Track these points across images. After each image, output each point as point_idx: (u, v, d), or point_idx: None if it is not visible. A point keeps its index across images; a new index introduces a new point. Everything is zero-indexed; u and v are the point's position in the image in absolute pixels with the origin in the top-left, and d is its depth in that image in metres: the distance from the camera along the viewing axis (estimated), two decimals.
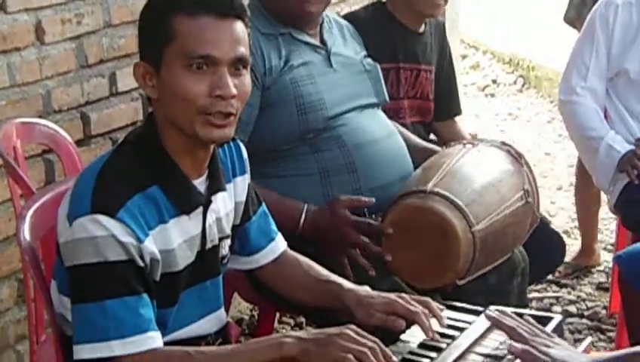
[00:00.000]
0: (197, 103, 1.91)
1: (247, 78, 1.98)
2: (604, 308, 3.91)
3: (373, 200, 2.65)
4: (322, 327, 1.93)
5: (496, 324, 1.89)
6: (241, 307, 3.86)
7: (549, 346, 1.79)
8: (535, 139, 6.22)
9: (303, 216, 2.65)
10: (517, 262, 2.89)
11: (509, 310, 2.03)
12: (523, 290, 2.99)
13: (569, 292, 4.08)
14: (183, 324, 2.05)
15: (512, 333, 1.84)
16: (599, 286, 4.12)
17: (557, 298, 4.03)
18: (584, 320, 3.86)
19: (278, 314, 3.63)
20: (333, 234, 2.62)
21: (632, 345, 2.89)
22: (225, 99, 1.92)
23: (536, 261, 3.01)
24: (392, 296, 2.12)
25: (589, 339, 2.01)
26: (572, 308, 3.95)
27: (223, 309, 2.15)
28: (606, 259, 4.34)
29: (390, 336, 2.07)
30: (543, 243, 3.07)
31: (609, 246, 4.47)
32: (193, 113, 1.92)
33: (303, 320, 3.78)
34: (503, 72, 7.95)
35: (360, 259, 2.61)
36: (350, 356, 1.83)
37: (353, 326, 1.91)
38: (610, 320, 3.79)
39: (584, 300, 4.02)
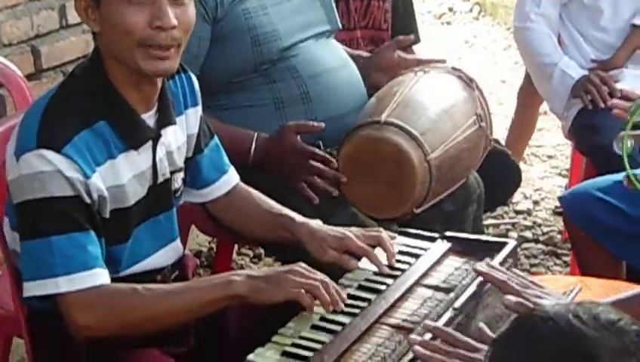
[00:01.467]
0: (136, 35, 1.88)
1: (189, 7, 1.95)
2: (560, 232, 3.95)
3: (323, 125, 2.64)
4: (281, 258, 1.95)
5: (486, 278, 1.89)
6: (200, 239, 3.86)
7: (540, 297, 1.80)
8: (491, 66, 6.22)
9: (254, 144, 2.64)
10: (472, 188, 2.91)
11: (464, 235, 2.05)
12: (479, 216, 3.01)
13: (525, 218, 4.12)
14: (138, 259, 2.05)
15: (503, 287, 1.84)
16: (555, 212, 4.16)
17: (513, 224, 4.07)
18: (540, 246, 3.91)
19: (236, 246, 3.64)
20: (283, 161, 2.62)
21: (582, 272, 2.93)
22: (165, 30, 1.89)
23: (492, 188, 3.03)
24: (345, 230, 2.13)
25: (578, 286, 2.01)
26: (528, 234, 3.99)
27: (178, 241, 2.15)
28: (561, 184, 4.39)
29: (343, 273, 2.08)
30: (498, 170, 3.08)
31: (564, 172, 4.51)
32: (133, 46, 1.89)
33: (262, 251, 3.79)
34: (459, 0, 7.91)
35: (318, 182, 2.60)
36: (302, 291, 1.84)
37: (303, 264, 1.92)
38: (566, 244, 3.83)
39: (540, 225, 4.06)
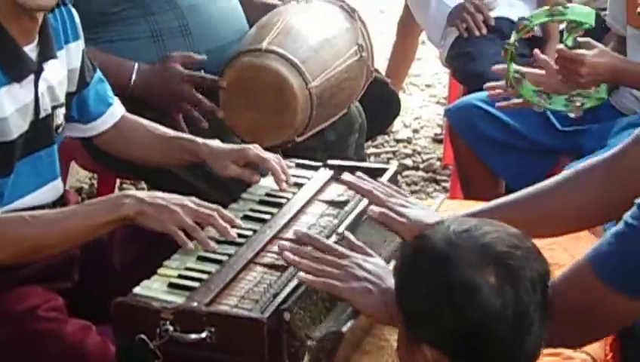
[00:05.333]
0: None
1: None
2: (439, 159, 4.03)
3: (205, 57, 2.62)
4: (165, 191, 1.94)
5: (351, 187, 1.91)
6: (80, 176, 3.80)
7: (405, 206, 1.83)
8: None
9: (134, 74, 2.61)
10: (354, 118, 2.95)
11: (345, 163, 2.07)
12: (361, 145, 3.05)
13: (405, 146, 4.18)
14: (19, 195, 2.01)
15: (368, 196, 1.86)
16: (434, 139, 4.24)
17: (394, 152, 4.13)
18: (420, 172, 3.98)
19: (118, 182, 3.60)
20: (166, 90, 2.59)
21: (466, 194, 3.01)
22: None
23: (373, 117, 3.07)
24: (244, 145, 2.15)
25: (441, 197, 2.06)
26: (408, 161, 4.06)
27: (59, 179, 2.12)
28: (439, 112, 4.46)
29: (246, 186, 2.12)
30: (379, 99, 3.13)
31: (442, 100, 4.59)
32: None
33: (144, 186, 3.76)
34: None
35: (194, 112, 2.60)
36: (180, 232, 1.85)
37: (194, 198, 1.92)
38: (445, 171, 3.92)
39: (419, 153, 4.13)
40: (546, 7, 2.68)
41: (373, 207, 1.82)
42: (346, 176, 1.93)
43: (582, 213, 1.74)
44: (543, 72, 2.63)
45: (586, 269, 1.50)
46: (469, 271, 1.34)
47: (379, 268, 1.64)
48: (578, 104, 2.62)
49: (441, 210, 2.00)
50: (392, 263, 1.75)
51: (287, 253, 1.68)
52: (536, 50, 2.69)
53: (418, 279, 1.38)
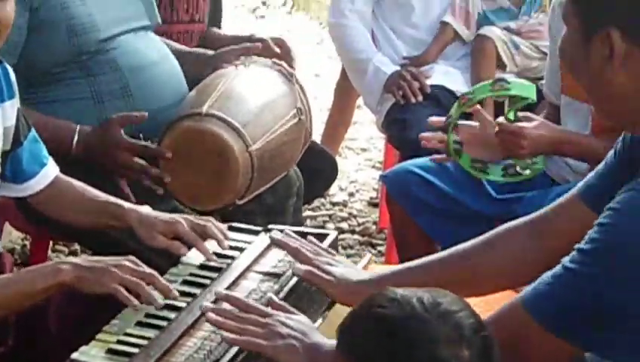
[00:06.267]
0: None
1: (9, 3, 1.91)
2: (374, 223, 4.06)
3: (146, 114, 2.62)
4: (98, 254, 1.93)
5: (280, 246, 1.93)
6: (12, 236, 3.75)
7: (331, 264, 1.84)
8: (305, 60, 6.30)
9: (76, 137, 2.60)
10: (292, 181, 2.96)
11: (287, 228, 2.08)
12: (298, 209, 3.07)
13: (341, 210, 4.21)
14: None
15: (295, 254, 1.88)
16: (370, 203, 4.27)
17: (330, 215, 4.15)
18: (356, 236, 4.00)
19: (51, 243, 3.56)
20: (107, 155, 2.58)
21: (401, 258, 3.04)
22: None
23: (310, 180, 3.09)
24: (176, 216, 2.14)
25: (368, 256, 2.09)
26: (344, 225, 4.08)
27: None
28: (374, 176, 4.51)
29: (173, 258, 2.09)
30: (316, 163, 3.15)
31: (377, 165, 4.64)
32: None
33: (77, 247, 3.73)
34: None
35: (144, 181, 2.58)
36: (121, 288, 1.84)
37: (132, 257, 1.92)
38: (380, 235, 3.95)
39: (355, 216, 4.16)
40: (489, 82, 2.75)
41: (298, 265, 1.84)
42: (275, 234, 1.96)
43: (504, 272, 1.78)
44: (476, 123, 2.70)
45: (520, 310, 1.53)
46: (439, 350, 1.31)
47: (302, 324, 1.65)
48: (515, 174, 2.69)
49: (369, 268, 2.03)
50: (318, 322, 1.77)
51: (209, 314, 1.68)
52: (478, 107, 2.75)
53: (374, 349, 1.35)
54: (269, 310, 1.68)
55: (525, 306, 1.53)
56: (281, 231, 2.13)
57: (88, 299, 2.02)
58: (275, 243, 1.94)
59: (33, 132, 2.22)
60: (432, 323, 1.32)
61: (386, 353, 1.31)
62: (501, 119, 2.65)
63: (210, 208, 2.60)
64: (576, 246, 1.52)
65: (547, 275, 1.54)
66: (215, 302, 1.80)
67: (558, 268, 1.53)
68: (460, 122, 2.72)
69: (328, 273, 1.81)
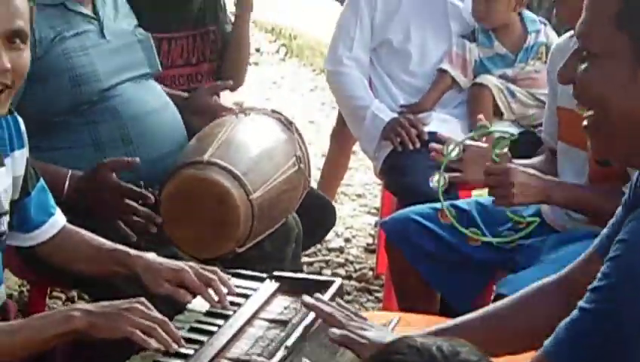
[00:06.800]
0: None
1: (25, 52, 1.92)
2: (371, 269, 4.07)
3: (137, 159, 2.63)
4: (97, 301, 1.94)
5: (313, 310, 1.94)
6: (10, 282, 3.74)
7: (364, 329, 1.87)
8: (299, 107, 6.35)
9: (67, 182, 2.61)
10: (291, 228, 2.98)
11: (287, 274, 2.09)
12: (297, 255, 3.08)
13: (337, 256, 4.22)
14: None
15: (328, 319, 1.90)
16: (366, 249, 4.28)
17: (326, 261, 4.16)
18: (353, 282, 4.01)
19: (49, 290, 3.56)
20: (96, 197, 2.59)
21: (400, 304, 3.05)
22: None
23: (308, 227, 3.10)
24: (181, 264, 2.15)
25: (395, 320, 2.10)
26: (341, 271, 4.08)
27: (3, 287, 2.10)
28: (370, 221, 4.52)
29: (177, 305, 2.10)
30: (314, 209, 3.17)
31: (373, 210, 4.65)
32: None
33: (74, 294, 3.73)
34: (265, 41, 8.04)
35: (139, 224, 2.59)
36: (138, 331, 1.84)
37: (143, 300, 1.92)
38: (378, 280, 3.95)
39: (352, 262, 4.16)
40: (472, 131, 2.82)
41: (334, 330, 1.85)
42: (306, 298, 1.96)
43: (538, 332, 1.79)
44: (485, 145, 2.77)
45: (544, 361, 1.54)
46: None
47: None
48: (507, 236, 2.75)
49: (396, 330, 2.04)
50: None
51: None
52: (469, 141, 2.80)
53: None
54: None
55: (548, 357, 1.55)
56: (287, 278, 2.15)
57: (94, 346, 2.03)
58: (307, 306, 1.94)
59: (41, 182, 2.23)
60: None
61: None
62: (488, 163, 2.66)
63: (211, 256, 2.61)
64: (589, 286, 1.54)
65: (565, 321, 1.55)
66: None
67: (574, 313, 1.55)
68: (468, 142, 2.77)
69: (362, 337, 1.84)
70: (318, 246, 4.25)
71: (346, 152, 4.32)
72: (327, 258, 4.19)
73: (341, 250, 4.27)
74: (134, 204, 2.60)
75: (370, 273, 4.05)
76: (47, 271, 2.47)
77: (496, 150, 2.67)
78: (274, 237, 2.84)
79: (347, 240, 4.36)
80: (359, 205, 4.80)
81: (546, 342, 1.58)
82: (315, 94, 6.64)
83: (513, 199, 2.59)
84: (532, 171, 2.63)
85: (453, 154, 2.78)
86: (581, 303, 1.55)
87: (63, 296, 3.75)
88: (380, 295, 3.84)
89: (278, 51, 7.76)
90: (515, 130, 2.67)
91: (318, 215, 3.25)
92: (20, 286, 3.76)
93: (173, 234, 2.62)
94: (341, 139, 4.22)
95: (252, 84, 6.87)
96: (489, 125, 2.88)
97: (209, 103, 3.02)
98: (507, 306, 1.90)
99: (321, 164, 4.53)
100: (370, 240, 4.35)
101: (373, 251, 4.21)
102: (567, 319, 1.56)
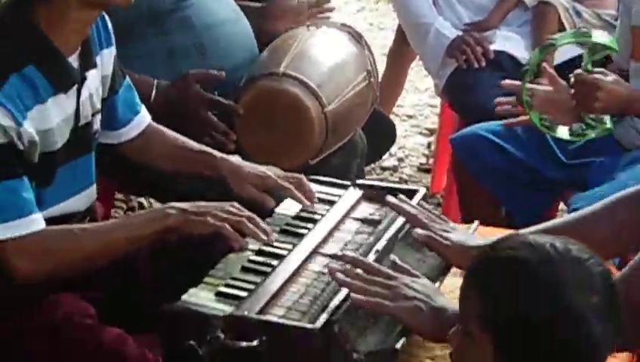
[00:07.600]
0: None
1: None
2: (426, 188, 4.08)
3: (223, 74, 2.65)
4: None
5: (397, 210, 1.96)
6: None
7: (447, 231, 1.90)
8: None
9: (154, 90, 2.63)
10: (357, 143, 3.00)
11: (377, 183, 2.11)
12: (361, 170, 3.11)
13: (391, 175, 4.24)
14: (56, 202, 2.03)
15: (413, 219, 1.92)
16: (419, 168, 4.30)
17: (381, 180, 4.18)
18: None
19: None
20: (184, 110, 2.62)
21: (464, 218, 3.07)
22: None
23: (370, 143, 3.13)
24: (266, 169, 2.18)
25: (476, 222, 2.12)
26: None
27: (94, 186, 2.14)
28: (422, 142, 4.54)
29: (261, 212, 2.13)
30: (377, 126, 3.18)
31: (424, 131, 4.66)
32: None
33: (135, 204, 3.78)
34: None
35: (217, 138, 2.62)
36: (227, 225, 1.89)
37: (234, 203, 1.96)
38: (432, 199, 3.98)
39: (406, 181, 4.18)
40: (572, 30, 2.73)
41: (418, 230, 1.88)
42: (390, 198, 1.98)
43: (620, 240, 1.81)
44: (550, 88, 2.71)
45: None
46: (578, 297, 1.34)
47: (427, 288, 1.69)
48: (581, 134, 2.68)
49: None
50: (437, 283, 1.81)
51: (338, 275, 1.71)
52: (552, 72, 2.76)
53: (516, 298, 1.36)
54: (394, 273, 1.71)
55: None
56: (371, 186, 2.17)
57: (176, 250, 2.09)
58: (392, 207, 1.97)
59: (127, 79, 2.26)
60: (566, 269, 1.36)
61: (521, 295, 1.35)
62: (579, 71, 2.64)
63: (286, 167, 2.63)
64: None
65: None
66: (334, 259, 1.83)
67: None
68: (534, 86, 2.72)
69: (445, 238, 1.87)
70: (372, 165, 4.27)
71: (404, 70, 4.31)
72: (382, 177, 4.21)
73: (395, 169, 4.29)
74: (214, 119, 2.62)
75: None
76: (121, 174, 2.51)
77: (595, 57, 2.62)
78: (341, 151, 2.87)
79: (400, 160, 4.38)
80: (410, 125, 4.80)
81: None
82: (362, 15, 6.58)
83: (595, 104, 2.57)
84: (619, 78, 2.61)
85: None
86: None
87: (124, 206, 3.81)
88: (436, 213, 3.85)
89: None
90: (615, 44, 2.61)
91: (379, 131, 3.27)
92: None
93: (248, 145, 2.65)
94: (397, 59, 4.21)
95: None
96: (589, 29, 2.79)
97: (289, 6, 3.01)
98: (590, 215, 1.88)
99: None
100: (423, 160, 4.36)
101: (426, 170, 4.23)
102: None
